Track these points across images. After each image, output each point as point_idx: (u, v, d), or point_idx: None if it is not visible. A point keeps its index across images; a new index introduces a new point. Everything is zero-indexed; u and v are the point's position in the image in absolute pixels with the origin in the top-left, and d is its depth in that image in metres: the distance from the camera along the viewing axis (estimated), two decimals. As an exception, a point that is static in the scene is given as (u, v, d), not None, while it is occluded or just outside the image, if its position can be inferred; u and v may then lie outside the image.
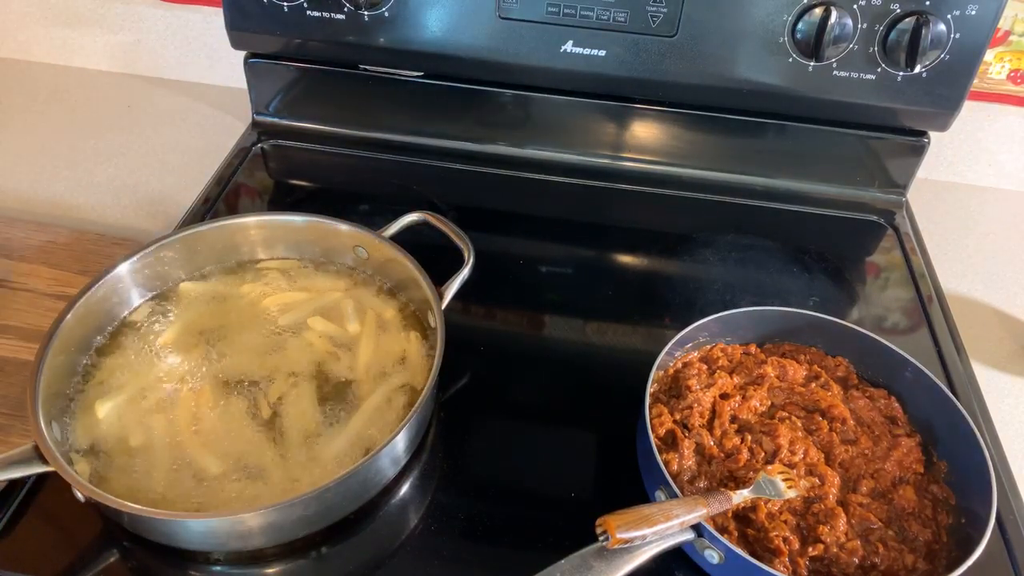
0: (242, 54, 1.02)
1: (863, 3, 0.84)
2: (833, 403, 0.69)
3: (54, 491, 0.63)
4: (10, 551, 0.60)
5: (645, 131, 1.02)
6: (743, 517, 0.62)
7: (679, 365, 0.73)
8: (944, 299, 0.90)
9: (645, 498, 0.65)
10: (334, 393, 0.69)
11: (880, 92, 0.90)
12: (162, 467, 0.62)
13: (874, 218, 1.01)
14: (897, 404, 0.71)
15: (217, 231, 0.78)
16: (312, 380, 0.70)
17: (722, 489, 0.61)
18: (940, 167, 1.11)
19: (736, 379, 0.71)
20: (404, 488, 0.66)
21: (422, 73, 1.01)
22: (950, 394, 0.68)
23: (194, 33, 1.14)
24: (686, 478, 0.64)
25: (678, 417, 0.68)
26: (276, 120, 1.07)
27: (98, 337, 0.71)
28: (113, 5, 1.13)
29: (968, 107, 0.95)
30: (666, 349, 0.70)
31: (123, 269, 0.72)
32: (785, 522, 0.61)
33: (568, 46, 0.92)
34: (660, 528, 0.55)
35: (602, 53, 0.92)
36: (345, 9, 0.92)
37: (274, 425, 0.66)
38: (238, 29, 0.97)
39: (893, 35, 0.86)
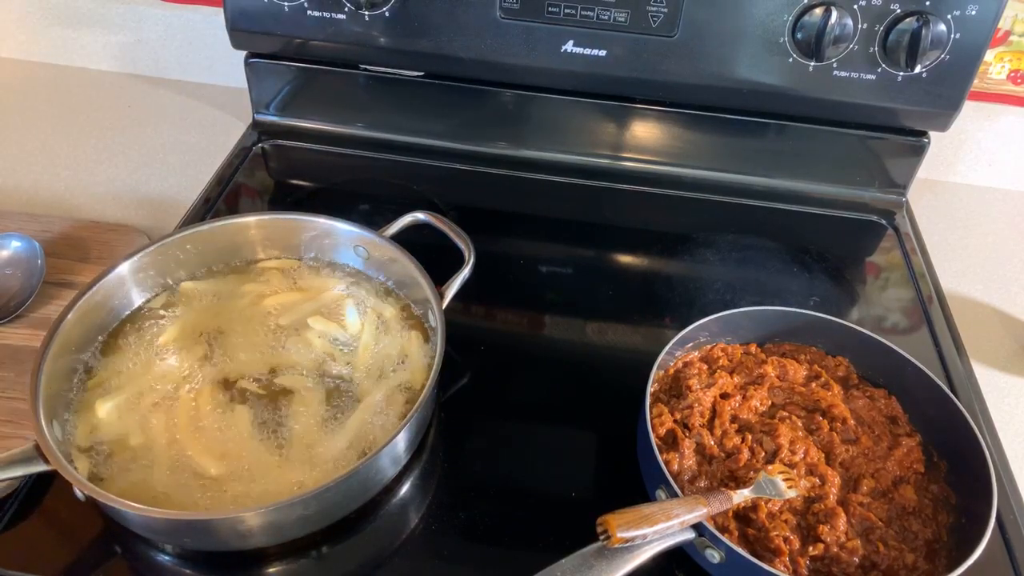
0: (242, 54, 1.02)
1: (863, 3, 0.84)
2: (833, 403, 0.69)
3: (55, 490, 0.63)
4: (11, 550, 0.60)
5: (645, 131, 1.02)
6: (744, 517, 0.62)
7: (679, 365, 0.73)
8: (944, 299, 0.90)
9: (645, 498, 0.65)
10: (334, 393, 0.69)
11: (880, 92, 0.90)
12: (162, 466, 0.62)
13: (874, 218, 1.01)
14: (897, 404, 0.71)
15: (217, 231, 0.78)
16: (312, 380, 0.70)
17: (722, 489, 0.61)
18: (940, 167, 1.11)
19: (736, 379, 0.71)
20: (404, 488, 0.66)
21: (422, 73, 1.01)
22: (950, 394, 0.68)
23: (194, 33, 1.15)
24: (686, 478, 0.64)
25: (678, 417, 0.68)
26: (276, 120, 1.07)
27: (99, 336, 0.71)
28: (113, 5, 1.13)
29: (968, 107, 0.96)
30: (666, 349, 0.70)
31: (124, 269, 0.72)
32: (786, 522, 0.61)
33: (568, 46, 0.92)
34: (661, 527, 0.55)
35: (602, 53, 0.92)
36: (346, 9, 0.92)
37: (274, 425, 0.66)
38: (238, 29, 0.96)
39: (893, 35, 0.86)
